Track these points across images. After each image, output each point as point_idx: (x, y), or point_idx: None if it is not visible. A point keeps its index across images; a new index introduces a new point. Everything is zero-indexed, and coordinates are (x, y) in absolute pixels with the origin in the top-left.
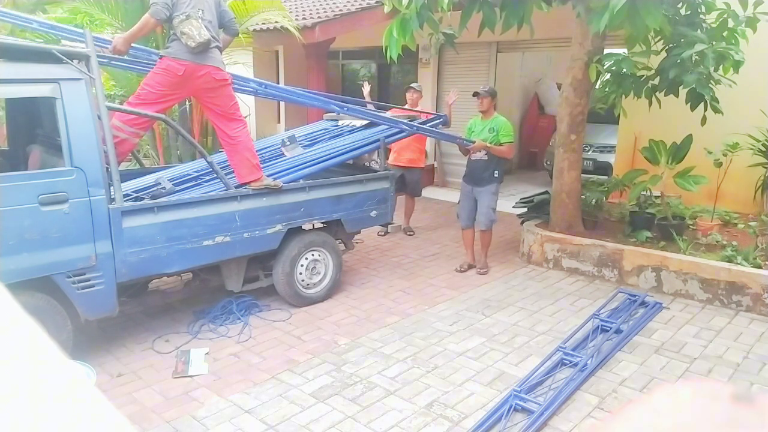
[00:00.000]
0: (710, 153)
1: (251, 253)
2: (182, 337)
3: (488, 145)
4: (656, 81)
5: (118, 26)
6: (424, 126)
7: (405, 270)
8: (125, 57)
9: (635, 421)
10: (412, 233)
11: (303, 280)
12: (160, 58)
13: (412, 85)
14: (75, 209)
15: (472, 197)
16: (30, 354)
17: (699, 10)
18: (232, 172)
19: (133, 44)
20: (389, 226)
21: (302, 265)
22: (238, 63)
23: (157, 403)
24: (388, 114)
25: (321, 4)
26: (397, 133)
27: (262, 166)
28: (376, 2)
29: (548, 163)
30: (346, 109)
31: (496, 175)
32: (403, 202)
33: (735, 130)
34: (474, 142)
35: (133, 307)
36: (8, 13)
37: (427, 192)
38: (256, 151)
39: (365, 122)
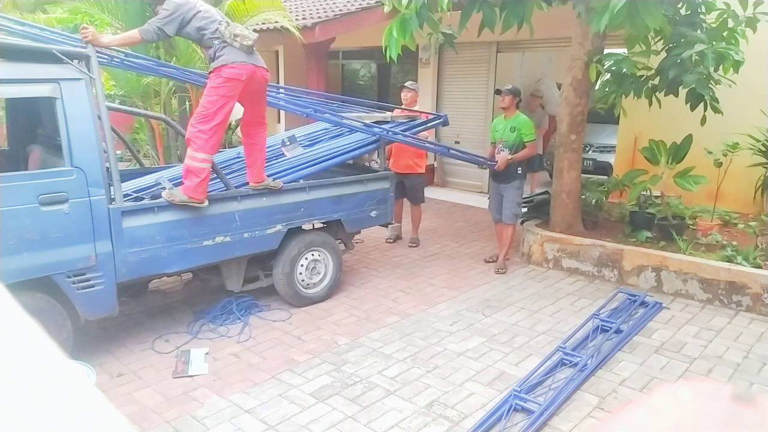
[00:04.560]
0: (710, 153)
1: (251, 253)
2: (182, 337)
3: (511, 157)
4: (656, 81)
5: (119, 26)
6: (460, 150)
7: (405, 270)
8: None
9: (635, 421)
10: (415, 245)
11: (303, 280)
12: (210, 74)
13: (406, 84)
14: (75, 209)
15: (498, 193)
16: (30, 354)
17: (699, 10)
18: (232, 172)
19: (138, 54)
20: (393, 230)
21: (302, 265)
22: None
23: (157, 403)
24: (390, 114)
25: (321, 4)
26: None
27: None
28: (376, 2)
29: (548, 163)
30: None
31: (519, 172)
32: (408, 210)
33: (735, 130)
34: (497, 162)
35: (133, 307)
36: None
37: (427, 192)
38: None
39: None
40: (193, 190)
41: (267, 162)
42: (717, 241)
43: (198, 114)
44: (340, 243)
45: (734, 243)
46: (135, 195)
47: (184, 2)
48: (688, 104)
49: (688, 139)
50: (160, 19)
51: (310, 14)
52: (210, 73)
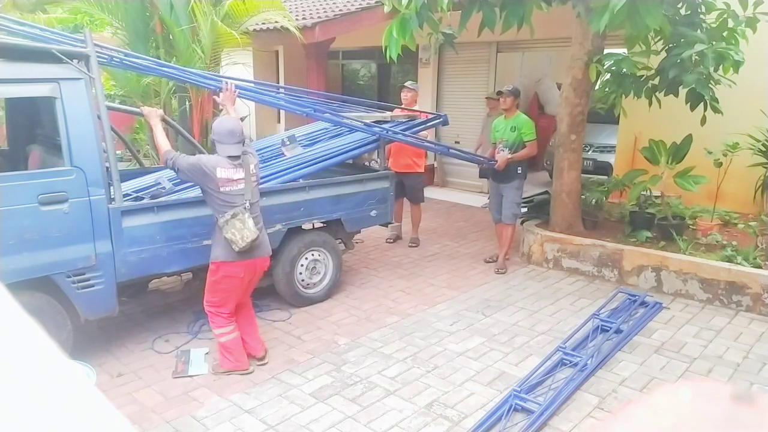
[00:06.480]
0: (710, 153)
1: None
2: (182, 337)
3: (511, 156)
4: (656, 81)
5: (118, 26)
6: (460, 150)
7: (405, 270)
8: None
9: (635, 421)
10: (415, 245)
11: (303, 280)
12: (212, 262)
13: (406, 84)
14: (75, 209)
15: (498, 193)
16: (30, 354)
17: (699, 10)
18: None
19: (137, 54)
20: (393, 230)
21: (302, 265)
22: (238, 63)
23: (157, 403)
24: (390, 114)
25: (321, 4)
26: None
27: (261, 165)
28: (376, 2)
29: (548, 163)
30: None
31: (519, 171)
32: (408, 210)
33: (735, 130)
34: (496, 162)
35: (133, 307)
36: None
37: (427, 192)
38: (256, 150)
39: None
40: (232, 365)
41: (267, 162)
42: (717, 241)
43: (207, 298)
44: (340, 243)
45: (734, 243)
46: (135, 195)
47: (199, 166)
48: (688, 104)
49: (688, 139)
50: (182, 161)
51: (310, 14)
52: (211, 261)
